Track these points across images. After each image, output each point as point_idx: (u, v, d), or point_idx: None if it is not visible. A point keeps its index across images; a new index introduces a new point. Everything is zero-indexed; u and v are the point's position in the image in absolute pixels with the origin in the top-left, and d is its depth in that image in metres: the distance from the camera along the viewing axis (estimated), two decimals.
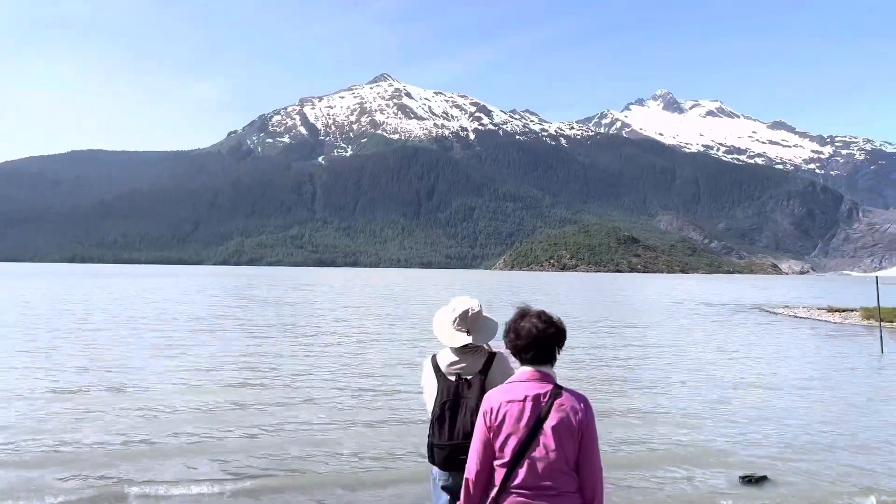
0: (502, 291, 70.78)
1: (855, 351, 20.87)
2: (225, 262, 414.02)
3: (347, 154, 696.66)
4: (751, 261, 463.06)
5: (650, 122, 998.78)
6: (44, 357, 16.85)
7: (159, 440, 9.03)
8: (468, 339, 3.78)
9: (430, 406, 3.82)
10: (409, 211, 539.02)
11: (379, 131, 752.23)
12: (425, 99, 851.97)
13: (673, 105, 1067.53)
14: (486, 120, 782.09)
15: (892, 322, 31.08)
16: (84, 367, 15.30)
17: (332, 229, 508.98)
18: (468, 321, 3.81)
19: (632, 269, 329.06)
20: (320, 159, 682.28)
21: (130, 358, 16.93)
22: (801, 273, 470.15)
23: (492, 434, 2.99)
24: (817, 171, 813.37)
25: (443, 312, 3.96)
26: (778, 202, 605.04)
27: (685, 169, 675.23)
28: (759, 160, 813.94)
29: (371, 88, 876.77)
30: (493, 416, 2.99)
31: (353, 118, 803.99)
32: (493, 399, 3.06)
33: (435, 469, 3.77)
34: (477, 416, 3.13)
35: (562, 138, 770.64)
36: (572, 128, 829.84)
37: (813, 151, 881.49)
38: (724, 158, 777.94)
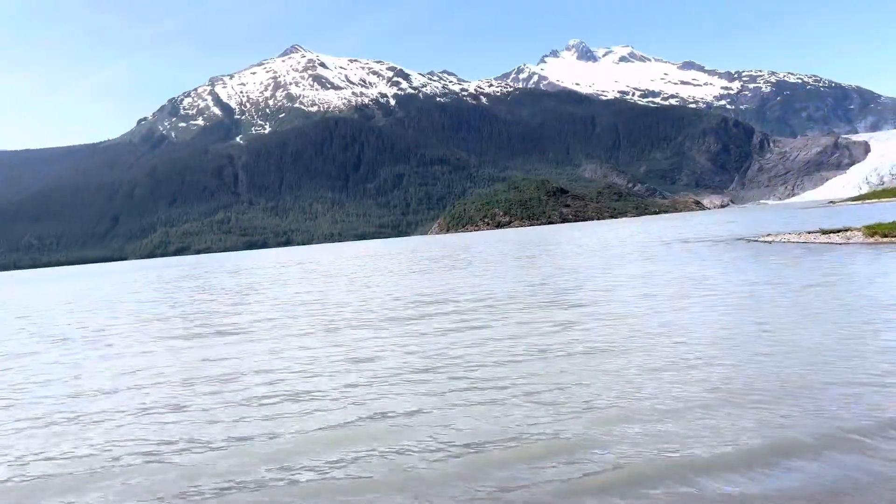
0: (509, 249, 70.48)
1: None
2: (151, 255, 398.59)
3: (266, 131, 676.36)
4: (674, 199, 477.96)
5: (566, 73, 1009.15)
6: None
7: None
8: None
9: None
10: (337, 184, 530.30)
11: (297, 105, 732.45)
12: (340, 68, 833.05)
13: (586, 54, 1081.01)
14: (404, 84, 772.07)
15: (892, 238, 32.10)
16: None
17: (259, 210, 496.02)
18: None
19: (563, 220, 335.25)
20: (238, 139, 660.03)
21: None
22: (722, 206, 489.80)
23: None
24: (728, 106, 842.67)
25: None
26: (694, 140, 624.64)
27: (603, 117, 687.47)
28: (672, 101, 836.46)
29: (283, 61, 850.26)
30: None
31: (267, 94, 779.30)
32: None
33: None
34: None
35: (482, 97, 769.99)
36: (491, 85, 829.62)
37: (723, 88, 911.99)
38: (639, 103, 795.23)
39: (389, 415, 10.09)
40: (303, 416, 10.47)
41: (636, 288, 23.14)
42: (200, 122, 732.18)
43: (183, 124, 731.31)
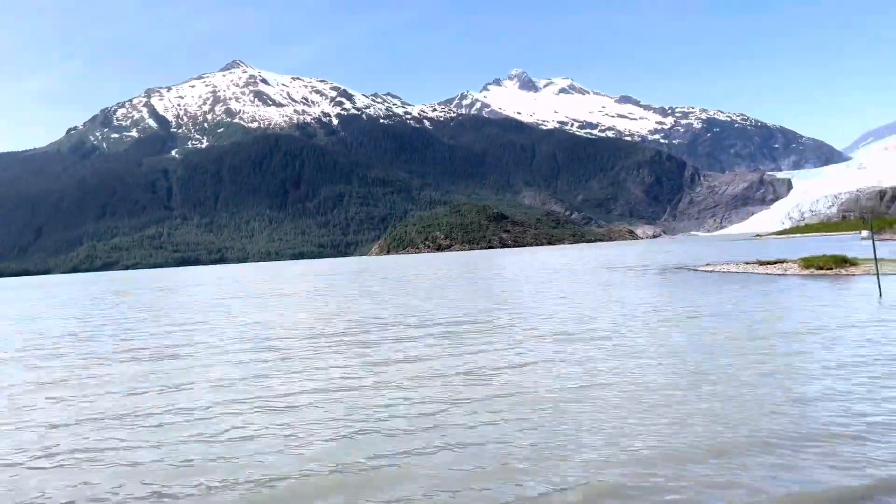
0: (457, 270, 69.60)
1: (854, 297, 22.39)
2: (76, 270, 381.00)
3: (203, 146, 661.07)
4: (609, 228, 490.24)
5: (508, 101, 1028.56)
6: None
7: None
8: None
9: None
10: (276, 202, 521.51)
11: (236, 120, 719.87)
12: (283, 85, 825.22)
13: (528, 84, 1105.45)
14: (348, 105, 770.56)
15: (826, 269, 32.97)
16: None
17: (192, 226, 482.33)
18: None
19: (503, 245, 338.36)
20: (174, 153, 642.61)
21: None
22: (654, 237, 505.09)
23: None
24: (662, 140, 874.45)
25: None
26: (629, 172, 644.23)
27: (543, 145, 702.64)
28: (609, 133, 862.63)
29: (224, 76, 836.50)
30: None
31: (206, 108, 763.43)
32: None
33: None
34: None
35: (425, 121, 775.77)
36: (434, 110, 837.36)
37: (657, 122, 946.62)
38: (578, 133, 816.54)
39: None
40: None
41: (616, 315, 22.92)
42: (134, 133, 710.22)
43: (116, 135, 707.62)
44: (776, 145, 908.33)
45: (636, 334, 17.89)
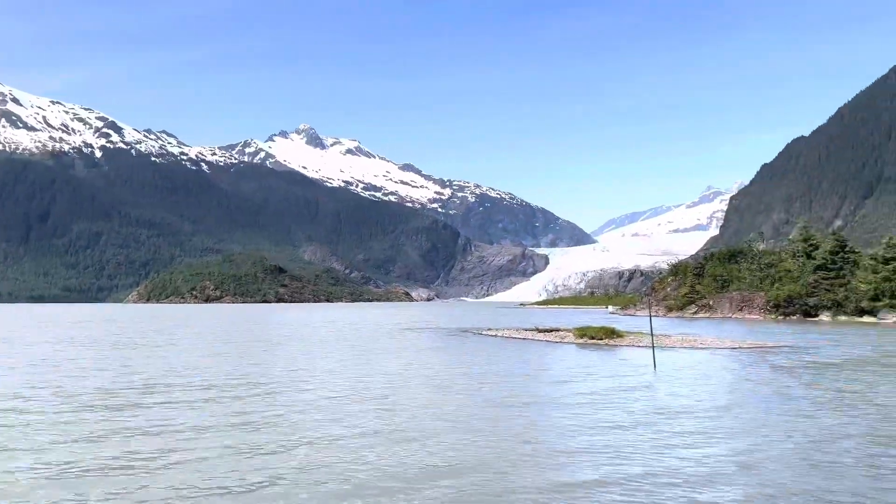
0: (236, 326, 61.87)
1: (629, 368, 22.41)
2: None
3: None
4: (387, 289, 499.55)
5: (294, 155, 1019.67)
6: None
7: None
8: None
9: None
10: (16, 235, 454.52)
11: None
12: (38, 108, 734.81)
13: (315, 140, 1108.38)
14: (115, 137, 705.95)
15: (593, 338, 33.85)
16: None
17: None
18: None
19: (279, 299, 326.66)
20: None
21: None
22: (428, 300, 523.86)
23: None
24: (439, 209, 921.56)
25: None
26: (408, 236, 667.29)
27: (328, 203, 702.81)
28: (392, 198, 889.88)
29: None
30: None
31: None
32: None
33: None
34: None
35: (203, 164, 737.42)
36: (214, 154, 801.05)
37: (436, 192, 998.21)
38: (362, 195, 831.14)
39: None
40: None
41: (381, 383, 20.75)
42: None
43: None
44: (537, 224, 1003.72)
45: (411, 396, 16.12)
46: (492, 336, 40.96)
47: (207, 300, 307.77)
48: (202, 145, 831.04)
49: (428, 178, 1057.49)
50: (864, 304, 71.90)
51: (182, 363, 26.55)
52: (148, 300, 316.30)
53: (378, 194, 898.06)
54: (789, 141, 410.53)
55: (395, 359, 27.12)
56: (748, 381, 20.92)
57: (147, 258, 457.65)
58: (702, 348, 32.34)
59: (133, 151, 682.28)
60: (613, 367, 24.20)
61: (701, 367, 24.64)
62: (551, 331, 40.71)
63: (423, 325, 61.64)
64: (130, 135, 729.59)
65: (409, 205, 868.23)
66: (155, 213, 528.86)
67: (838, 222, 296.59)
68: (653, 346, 25.84)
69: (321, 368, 24.42)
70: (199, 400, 17.14)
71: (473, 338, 39.19)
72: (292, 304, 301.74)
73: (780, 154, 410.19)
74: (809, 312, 78.06)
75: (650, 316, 27.60)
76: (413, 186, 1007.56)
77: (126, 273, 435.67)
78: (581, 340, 36.11)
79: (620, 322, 56.18)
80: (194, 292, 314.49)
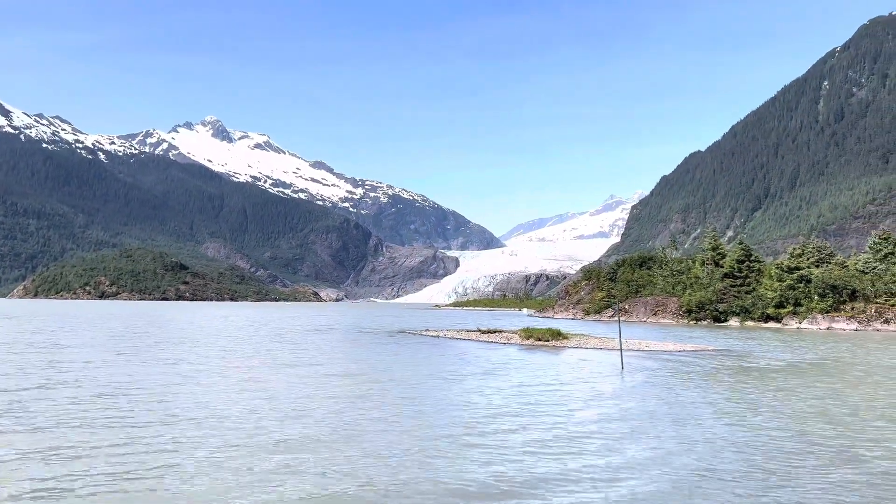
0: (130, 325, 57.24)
1: (599, 371, 22.08)
2: None
3: None
4: (294, 289, 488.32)
5: (199, 147, 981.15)
6: None
7: None
8: None
9: None
10: None
11: None
12: None
13: (222, 133, 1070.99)
14: (2, 121, 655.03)
15: (537, 340, 33.57)
16: None
17: None
18: None
19: (179, 297, 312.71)
20: None
21: None
22: (337, 300, 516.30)
23: None
24: (351, 209, 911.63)
25: None
26: (318, 235, 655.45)
27: (233, 198, 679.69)
28: (302, 195, 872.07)
29: None
30: None
31: None
32: None
33: None
34: None
35: (100, 153, 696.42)
36: (113, 143, 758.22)
37: (348, 191, 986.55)
38: (270, 191, 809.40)
39: None
40: None
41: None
42: None
43: None
44: (448, 226, 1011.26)
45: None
46: (433, 336, 40.25)
47: (102, 296, 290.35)
48: (100, 133, 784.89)
49: (340, 176, 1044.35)
50: (770, 310, 76.25)
51: None
52: (35, 295, 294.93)
53: (287, 191, 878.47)
54: (687, 155, 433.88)
55: (353, 363, 26.01)
56: (719, 382, 21.26)
57: (35, 251, 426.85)
58: (647, 350, 32.95)
59: (22, 137, 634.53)
60: (579, 370, 24.01)
61: (668, 368, 24.96)
62: (495, 332, 40.44)
63: (348, 327, 60.05)
64: (19, 118, 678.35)
65: (320, 203, 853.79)
66: (45, 203, 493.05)
67: (730, 233, 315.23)
68: (621, 350, 25.97)
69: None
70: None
71: (414, 339, 38.29)
72: (194, 301, 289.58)
73: (678, 167, 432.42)
74: (719, 318, 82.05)
75: (619, 321, 27.88)
76: (324, 184, 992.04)
77: (11, 266, 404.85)
78: (528, 342, 36.04)
79: (542, 325, 57.01)
80: (87, 288, 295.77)
